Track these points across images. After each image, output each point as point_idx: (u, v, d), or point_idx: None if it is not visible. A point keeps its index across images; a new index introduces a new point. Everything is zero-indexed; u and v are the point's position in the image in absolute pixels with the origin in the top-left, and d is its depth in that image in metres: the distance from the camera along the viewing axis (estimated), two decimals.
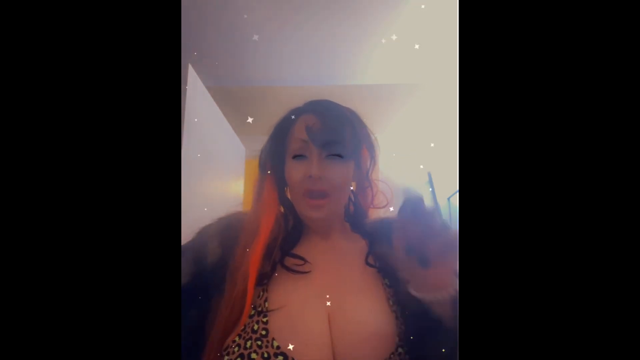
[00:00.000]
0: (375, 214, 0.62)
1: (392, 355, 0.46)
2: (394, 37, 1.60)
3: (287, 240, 0.56)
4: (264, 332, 0.46)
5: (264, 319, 0.47)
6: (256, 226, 0.53)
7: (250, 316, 0.47)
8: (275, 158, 0.58)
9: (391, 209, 0.59)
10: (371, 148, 0.60)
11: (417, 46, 1.66)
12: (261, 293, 0.49)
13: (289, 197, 0.59)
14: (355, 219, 0.61)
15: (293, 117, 0.58)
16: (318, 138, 0.53)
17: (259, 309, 0.48)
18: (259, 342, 0.45)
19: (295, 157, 0.55)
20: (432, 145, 1.89)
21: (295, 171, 0.54)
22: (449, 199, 1.90)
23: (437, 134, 1.89)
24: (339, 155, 0.54)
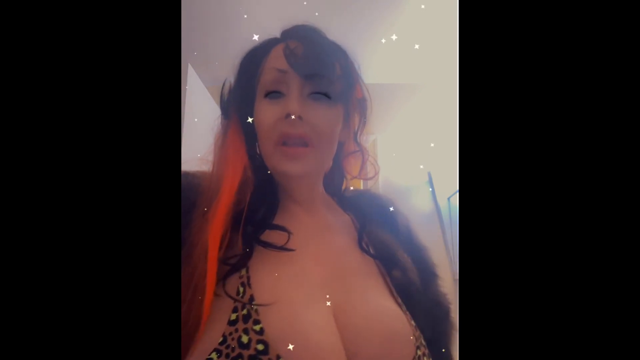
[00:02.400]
0: (355, 184, 0.52)
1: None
2: (394, 37, 1.59)
3: (259, 209, 0.43)
4: (261, 347, 0.32)
5: (256, 327, 0.33)
6: (217, 185, 0.41)
7: (231, 323, 0.34)
8: (243, 98, 0.44)
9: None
10: (363, 101, 0.48)
11: (417, 46, 1.66)
12: (241, 289, 0.36)
13: (258, 152, 0.45)
14: (338, 190, 0.50)
15: (267, 47, 0.45)
16: (301, 65, 0.40)
17: (244, 312, 0.34)
18: None
19: (268, 94, 0.42)
20: (432, 145, 1.88)
21: (268, 112, 0.41)
22: (449, 199, 1.90)
23: (437, 134, 1.89)
24: (326, 95, 0.42)
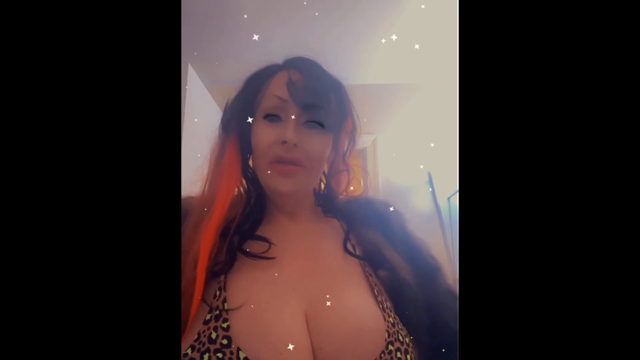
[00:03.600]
0: (356, 188, 0.55)
1: (382, 355, 0.38)
2: (394, 37, 1.60)
3: (247, 221, 0.46)
4: (225, 342, 0.36)
5: (224, 325, 0.37)
6: (211, 198, 0.44)
7: (206, 322, 0.38)
8: (242, 117, 0.47)
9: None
10: (354, 127, 0.52)
11: (417, 46, 1.66)
12: (217, 292, 0.40)
13: (251, 167, 0.50)
14: (327, 202, 0.53)
15: (270, 72, 0.49)
16: (300, 97, 0.44)
17: (217, 312, 0.38)
18: (220, 354, 0.35)
19: (267, 116, 0.46)
20: (432, 145, 1.88)
21: (265, 133, 0.45)
22: (449, 199, 1.90)
23: (437, 134, 1.89)
24: (320, 124, 0.46)
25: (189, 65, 1.52)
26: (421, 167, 1.89)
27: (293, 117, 0.44)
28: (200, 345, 0.36)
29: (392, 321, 0.41)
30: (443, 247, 1.80)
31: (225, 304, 0.39)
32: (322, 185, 0.54)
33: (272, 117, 0.46)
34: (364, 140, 1.96)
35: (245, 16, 1.43)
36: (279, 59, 0.50)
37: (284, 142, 0.43)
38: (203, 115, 1.56)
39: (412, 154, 1.94)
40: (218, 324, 0.37)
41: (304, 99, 0.44)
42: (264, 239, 0.45)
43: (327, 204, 0.53)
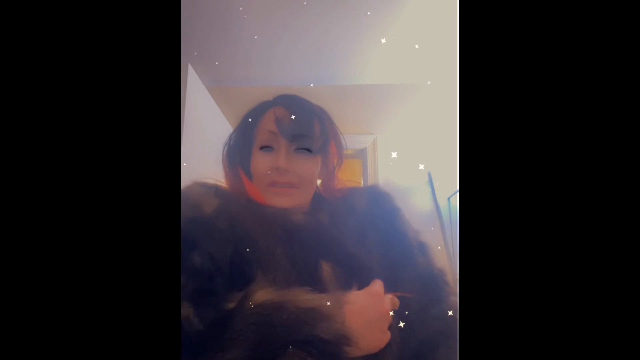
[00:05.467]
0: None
1: None
2: (394, 37, 1.60)
3: None
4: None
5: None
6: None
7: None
8: (243, 150, 0.57)
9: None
10: (339, 146, 0.60)
11: (417, 46, 1.66)
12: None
13: None
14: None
15: (262, 109, 0.57)
16: (287, 130, 0.53)
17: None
18: None
19: (262, 148, 0.54)
20: (432, 145, 1.88)
21: (261, 162, 0.54)
22: (449, 199, 1.90)
23: (437, 134, 1.89)
24: (308, 150, 0.54)
25: (189, 65, 1.52)
26: (421, 167, 1.88)
27: (283, 146, 0.53)
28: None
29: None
30: (443, 247, 1.80)
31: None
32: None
33: (266, 148, 0.54)
34: (364, 140, 1.96)
35: (245, 16, 1.43)
36: (274, 83, 0.56)
37: (277, 168, 0.52)
38: (203, 115, 1.56)
39: (412, 154, 1.94)
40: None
41: (291, 131, 0.53)
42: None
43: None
